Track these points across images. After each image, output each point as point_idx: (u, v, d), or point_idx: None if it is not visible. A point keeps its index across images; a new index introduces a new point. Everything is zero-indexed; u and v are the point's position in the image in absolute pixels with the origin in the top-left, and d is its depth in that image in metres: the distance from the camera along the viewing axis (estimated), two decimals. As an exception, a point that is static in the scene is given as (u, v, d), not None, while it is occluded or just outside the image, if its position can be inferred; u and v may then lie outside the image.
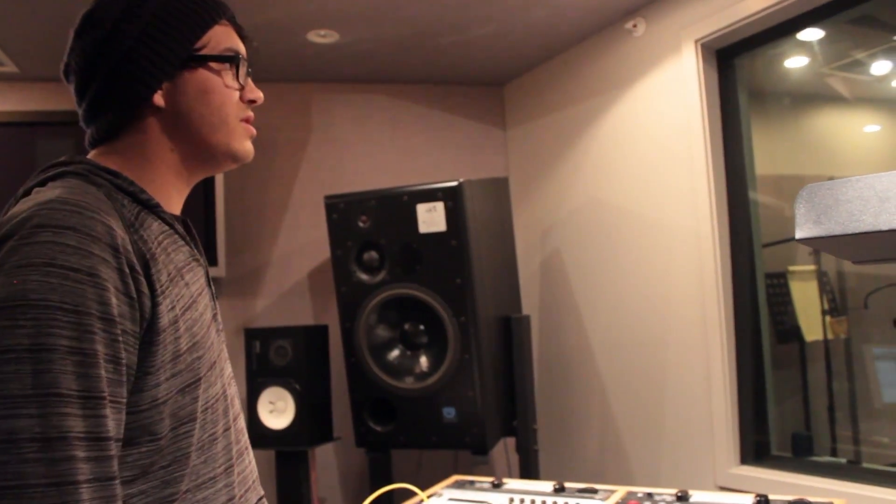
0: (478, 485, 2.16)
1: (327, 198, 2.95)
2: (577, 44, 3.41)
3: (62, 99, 3.40)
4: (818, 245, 0.95)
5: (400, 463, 3.24)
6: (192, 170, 1.13)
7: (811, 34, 2.76)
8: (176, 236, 1.08)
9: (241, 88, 1.13)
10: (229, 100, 1.11)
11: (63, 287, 0.86)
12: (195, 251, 1.13)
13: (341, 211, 2.91)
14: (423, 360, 2.90)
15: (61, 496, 0.82)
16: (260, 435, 3.01)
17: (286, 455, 3.08)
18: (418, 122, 3.86)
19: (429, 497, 2.01)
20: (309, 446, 3.03)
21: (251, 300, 3.60)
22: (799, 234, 0.95)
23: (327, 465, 3.59)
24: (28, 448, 0.81)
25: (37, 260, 0.86)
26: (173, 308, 0.99)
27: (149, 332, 0.94)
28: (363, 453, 3.12)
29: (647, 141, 3.05)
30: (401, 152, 3.81)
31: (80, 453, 0.84)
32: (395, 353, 2.94)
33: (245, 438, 1.16)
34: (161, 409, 0.96)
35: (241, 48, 1.14)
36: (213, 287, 1.17)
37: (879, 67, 2.99)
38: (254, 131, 1.17)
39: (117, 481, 0.88)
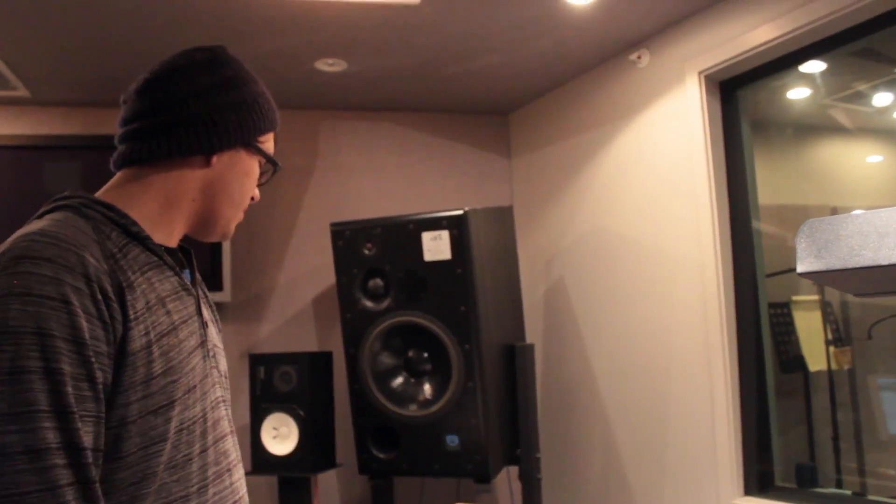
0: (481, 513, 2.15)
1: (333, 225, 2.97)
2: (582, 74, 3.45)
3: (71, 123, 3.45)
4: (819, 279, 0.97)
5: (402, 490, 3.23)
6: (190, 224, 1.25)
7: (814, 66, 2.78)
8: (164, 267, 1.16)
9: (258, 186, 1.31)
10: (251, 188, 1.29)
11: (38, 314, 0.96)
12: (185, 281, 1.21)
13: (347, 238, 2.93)
14: (427, 388, 2.90)
15: (53, 498, 0.93)
16: (263, 461, 3.01)
17: (289, 481, 3.07)
18: (424, 150, 3.89)
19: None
20: (312, 473, 3.03)
21: (256, 325, 3.61)
22: (800, 269, 0.96)
23: (330, 491, 3.58)
24: (20, 460, 0.92)
25: (16, 290, 0.97)
26: (147, 333, 1.07)
27: (120, 354, 1.03)
28: (366, 480, 3.12)
29: (651, 171, 3.07)
30: (406, 180, 3.84)
31: (60, 461, 0.95)
32: (398, 380, 2.95)
33: (228, 461, 1.22)
34: (129, 428, 1.04)
35: (276, 160, 1.31)
36: (205, 314, 1.25)
37: (881, 99, 3.01)
38: (242, 218, 1.32)
39: (96, 485, 0.98)
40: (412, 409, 2.88)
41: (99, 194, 1.18)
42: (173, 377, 1.09)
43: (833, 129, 3.28)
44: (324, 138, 3.78)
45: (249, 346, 3.54)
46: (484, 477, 2.84)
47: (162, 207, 1.19)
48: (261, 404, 3.03)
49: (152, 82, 1.20)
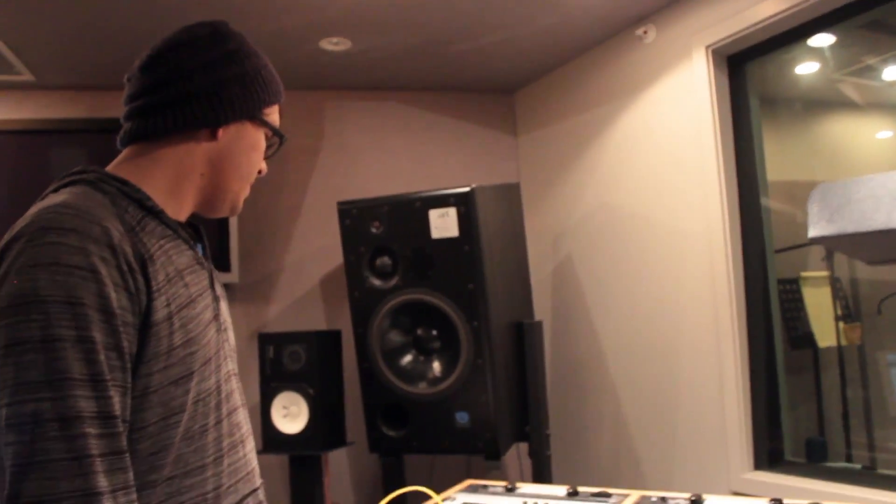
0: (491, 489, 2.16)
1: (340, 203, 2.96)
2: (588, 51, 3.43)
3: (76, 107, 3.44)
4: (831, 244, 0.96)
5: (413, 468, 3.24)
6: (199, 200, 1.26)
7: (822, 40, 2.76)
8: (179, 240, 1.18)
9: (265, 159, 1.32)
10: (258, 161, 1.30)
11: (67, 283, 0.97)
12: (199, 255, 1.23)
13: (354, 217, 2.92)
14: (436, 366, 2.91)
15: (81, 468, 0.93)
16: (273, 439, 3.03)
17: (300, 459, 3.09)
18: (430, 129, 3.88)
19: (443, 500, 2.01)
20: (322, 451, 3.04)
21: (264, 306, 3.62)
22: (812, 233, 0.95)
23: (340, 469, 3.60)
24: (49, 427, 0.93)
25: (44, 260, 0.97)
26: (168, 305, 1.08)
27: (144, 325, 1.05)
28: (376, 458, 3.13)
29: (659, 147, 3.05)
30: (413, 159, 3.83)
31: (93, 430, 0.96)
32: (407, 358, 2.95)
33: (241, 432, 1.24)
34: (150, 398, 1.06)
35: (282, 132, 1.33)
36: (217, 289, 1.26)
37: (891, 73, 2.98)
38: (248, 192, 1.33)
39: (126, 455, 1.00)
40: (421, 387, 2.88)
41: (108, 170, 1.18)
42: (192, 349, 1.11)
43: (842, 104, 3.25)
44: (329, 118, 3.77)
45: (258, 327, 3.55)
46: (494, 454, 2.85)
47: (172, 182, 1.20)
48: (270, 383, 3.04)
49: (155, 58, 1.21)
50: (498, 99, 4.00)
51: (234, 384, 1.26)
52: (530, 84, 3.88)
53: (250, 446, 1.27)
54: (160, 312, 1.06)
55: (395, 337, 2.95)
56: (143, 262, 1.06)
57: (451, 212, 2.76)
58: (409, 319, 2.94)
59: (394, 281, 2.88)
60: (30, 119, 3.37)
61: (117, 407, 0.99)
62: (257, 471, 1.29)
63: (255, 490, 1.25)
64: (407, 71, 3.59)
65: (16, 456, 0.93)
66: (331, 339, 3.16)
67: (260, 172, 1.32)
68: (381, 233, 2.89)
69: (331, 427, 3.07)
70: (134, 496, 1.01)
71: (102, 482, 0.95)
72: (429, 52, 3.34)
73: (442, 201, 2.78)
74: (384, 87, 3.81)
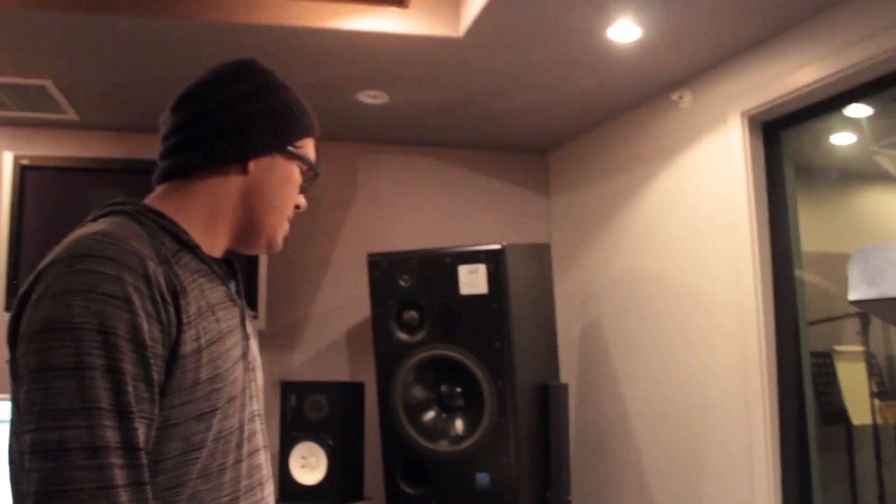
0: (509, 553, 2.10)
1: (370, 255, 2.97)
2: (623, 114, 3.44)
3: (116, 148, 3.53)
4: (871, 309, 0.93)
5: (430, 528, 3.18)
6: (234, 235, 1.26)
7: (859, 110, 2.75)
8: (213, 275, 1.18)
9: (300, 193, 1.32)
10: (293, 196, 1.29)
11: (101, 312, 0.97)
12: (232, 292, 1.22)
13: (383, 269, 2.92)
14: (459, 424, 2.86)
15: (109, 498, 0.93)
16: (290, 489, 2.98)
17: (315, 513, 3.04)
18: (463, 186, 3.91)
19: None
20: (339, 504, 3.00)
21: (289, 354, 3.61)
22: (852, 296, 0.93)
23: (356, 526, 3.54)
24: (78, 456, 0.93)
25: (80, 287, 0.98)
26: (198, 339, 1.08)
27: (172, 357, 1.04)
28: (393, 516, 3.06)
29: (692, 212, 3.03)
30: (445, 215, 3.85)
31: (118, 461, 0.95)
32: (430, 414, 2.92)
33: (261, 475, 1.22)
34: (171, 431, 1.05)
35: (317, 166, 1.33)
36: (248, 327, 1.25)
37: (930, 147, 2.96)
38: (288, 229, 1.32)
39: (148, 487, 0.99)
40: (443, 445, 2.84)
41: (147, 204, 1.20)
42: (218, 385, 1.10)
43: (878, 177, 3.22)
44: (363, 171, 3.81)
45: (282, 375, 3.53)
46: (514, 517, 2.78)
47: (205, 218, 1.21)
48: (291, 432, 3.01)
49: (185, 98, 1.24)
50: (531, 159, 4.02)
51: (258, 425, 1.24)
52: (564, 145, 3.90)
53: (269, 490, 1.25)
54: (189, 346, 1.06)
55: (419, 392, 2.92)
56: (176, 295, 1.06)
57: (481, 268, 2.75)
58: (434, 375, 2.91)
59: (420, 336, 2.87)
60: (71, 157, 3.44)
61: (142, 439, 0.99)
62: None
63: None
64: (442, 127, 3.63)
65: (41, 483, 0.93)
66: (354, 391, 3.14)
67: (298, 207, 1.32)
68: (410, 287, 2.88)
69: (349, 480, 3.03)
70: None
71: None
72: (465, 110, 3.38)
73: (472, 258, 2.77)
74: (419, 142, 3.85)
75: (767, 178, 2.84)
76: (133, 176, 3.37)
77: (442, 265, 2.82)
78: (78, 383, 0.94)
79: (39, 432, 0.94)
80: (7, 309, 3.22)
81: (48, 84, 3.00)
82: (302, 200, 1.33)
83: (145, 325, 1.00)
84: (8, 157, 3.30)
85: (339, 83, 3.04)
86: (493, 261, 2.73)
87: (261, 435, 1.25)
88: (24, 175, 3.33)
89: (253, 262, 3.40)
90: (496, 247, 2.74)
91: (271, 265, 3.49)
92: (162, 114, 1.28)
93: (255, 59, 1.30)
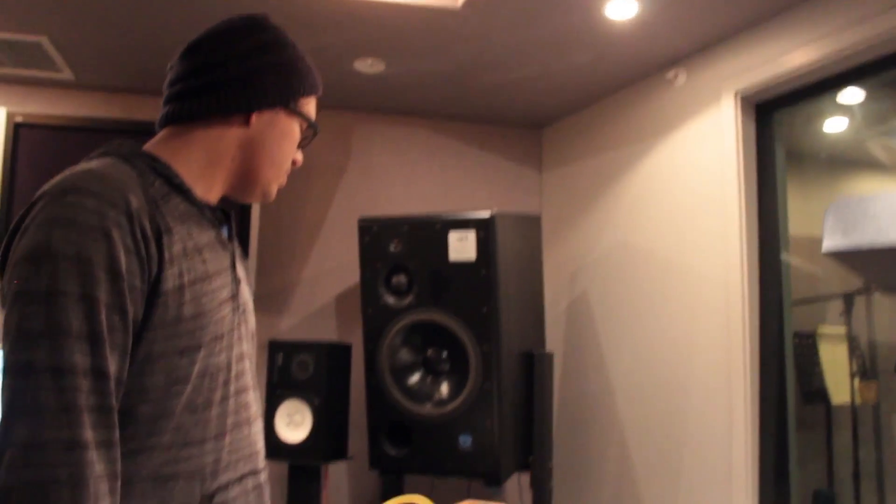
0: (489, 512, 2.14)
1: (361, 220, 2.99)
2: (618, 91, 3.46)
3: (111, 108, 3.52)
4: (845, 260, 0.96)
5: (412, 488, 3.21)
6: (230, 184, 1.29)
7: (852, 96, 2.77)
8: (203, 219, 1.21)
9: (298, 149, 1.35)
10: (291, 150, 1.32)
11: (79, 242, 1.00)
12: (222, 236, 1.26)
13: (374, 234, 2.95)
14: (444, 387, 2.90)
15: (69, 419, 0.96)
16: (275, 447, 3.02)
17: (299, 469, 3.08)
18: (456, 157, 3.92)
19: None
20: (323, 462, 3.03)
21: (277, 317, 3.63)
22: (826, 246, 0.96)
23: (339, 483, 3.58)
24: (44, 377, 0.96)
25: (61, 218, 1.01)
26: (181, 276, 1.11)
27: (153, 293, 1.07)
28: (376, 475, 3.11)
29: (682, 190, 3.06)
30: (436, 186, 3.86)
31: (84, 384, 0.98)
32: (415, 377, 2.95)
33: (248, 414, 1.25)
34: (155, 364, 1.08)
35: (317, 124, 1.36)
36: (239, 272, 1.28)
37: (921, 135, 2.98)
38: (285, 182, 1.35)
39: (114, 413, 1.02)
40: (427, 408, 2.88)
41: (144, 148, 1.22)
42: (202, 322, 1.13)
43: (869, 164, 3.25)
44: (357, 139, 3.82)
45: (270, 337, 3.55)
46: (495, 479, 2.82)
47: (203, 164, 1.23)
48: (276, 391, 3.04)
49: (194, 47, 1.26)
50: (525, 134, 4.03)
51: (247, 366, 1.27)
52: (559, 120, 3.92)
53: (257, 428, 1.28)
54: (170, 282, 1.09)
55: (405, 356, 2.95)
56: (159, 233, 1.09)
57: (471, 235, 2.77)
58: (421, 339, 2.94)
59: (408, 300, 2.89)
60: (66, 115, 3.44)
61: (111, 366, 1.01)
62: (261, 454, 1.30)
63: (255, 471, 1.26)
64: (438, 98, 3.64)
65: (8, 402, 0.96)
66: (341, 352, 3.16)
67: (295, 163, 1.35)
68: (400, 251, 2.90)
69: (333, 439, 3.06)
70: (117, 454, 1.02)
71: (87, 435, 0.97)
72: (461, 81, 3.39)
73: (462, 224, 2.79)
74: (414, 112, 3.86)
75: (758, 159, 2.87)
76: (126, 136, 3.36)
77: (432, 231, 2.84)
78: (49, 308, 0.97)
79: (11, 353, 0.97)
80: (0, 265, 3.23)
81: (44, 41, 2.99)
82: (299, 156, 1.36)
83: (123, 258, 1.03)
84: (1, 114, 3.29)
85: (336, 50, 3.05)
86: (483, 228, 2.76)
87: (249, 376, 1.27)
88: (18, 132, 3.34)
89: (245, 225, 3.42)
90: (486, 214, 2.77)
91: (262, 228, 3.51)
92: (171, 60, 1.29)
93: (266, 15, 1.32)
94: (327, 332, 3.67)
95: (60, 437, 0.95)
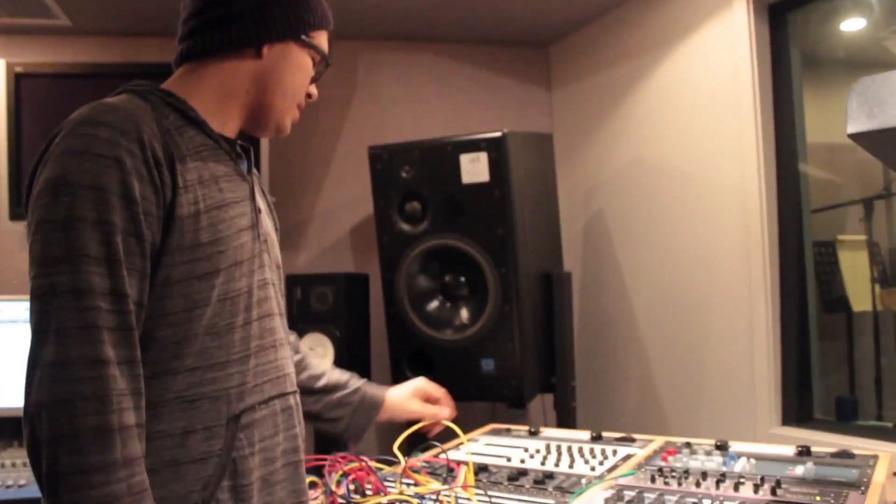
0: (514, 432, 2.16)
1: (371, 148, 2.96)
2: (625, 2, 3.36)
3: (110, 52, 3.47)
4: (871, 142, 0.92)
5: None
6: (245, 117, 1.32)
7: (869, -9, 2.68)
8: (220, 150, 1.25)
9: (311, 83, 1.38)
10: (304, 83, 1.35)
11: (94, 170, 1.05)
12: (240, 168, 1.29)
13: (384, 161, 2.91)
14: (463, 312, 2.90)
15: (90, 337, 1.01)
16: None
17: (324, 402, 3.11)
18: (464, 81, 3.86)
19: (467, 440, 2.01)
20: (346, 393, 3.06)
21: (293, 253, 3.63)
22: (851, 129, 0.91)
23: (364, 416, 3.62)
24: (65, 298, 1.01)
25: (76, 149, 1.06)
26: (196, 203, 1.15)
27: (169, 218, 1.12)
28: (400, 404, 3.13)
29: (695, 100, 3.00)
30: (446, 111, 3.81)
31: (104, 305, 1.03)
32: (434, 303, 2.95)
33: (274, 338, 1.29)
34: (173, 288, 1.13)
35: (329, 56, 1.39)
36: (258, 202, 1.32)
37: (943, 32, 2.89)
38: (297, 116, 1.38)
39: (134, 332, 1.07)
40: (448, 333, 2.88)
41: (161, 86, 1.26)
42: (220, 248, 1.17)
43: (889, 65, 3.16)
44: (363, 69, 3.76)
45: (287, 272, 3.56)
46: (518, 402, 2.85)
47: (217, 97, 1.27)
48: (297, 324, 3.05)
49: None
50: (532, 52, 3.95)
51: (272, 293, 1.30)
52: (565, 37, 3.83)
53: (284, 353, 1.31)
54: (186, 208, 1.13)
55: (423, 282, 2.95)
56: (172, 161, 1.13)
57: (483, 156, 2.73)
58: (438, 265, 2.93)
59: (423, 226, 2.87)
60: (65, 62, 3.39)
61: (129, 288, 1.07)
62: (291, 378, 1.33)
63: (284, 394, 1.30)
64: (442, 21, 3.55)
65: (36, 323, 1.03)
66: (359, 283, 3.17)
67: (310, 97, 1.38)
68: (412, 177, 2.87)
69: (356, 370, 3.01)
70: (138, 371, 1.07)
71: (109, 352, 1.03)
72: (464, 2, 3.30)
73: (473, 146, 2.75)
74: (419, 38, 3.78)
75: (773, 62, 2.79)
76: (128, 80, 3.33)
77: (443, 155, 2.80)
78: (68, 234, 1.03)
79: (35, 279, 1.04)
80: (11, 218, 3.23)
81: (38, -14, 2.94)
82: (314, 90, 1.39)
83: (136, 185, 1.07)
84: (1, 66, 3.26)
85: (336, -26, 2.97)
86: (495, 148, 2.72)
87: (274, 303, 1.31)
88: (19, 82, 3.30)
89: (255, 163, 3.40)
90: (497, 134, 2.72)
91: (273, 165, 3.48)
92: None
93: None
94: (344, 265, 3.67)
95: (84, 355, 1.01)
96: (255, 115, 1.32)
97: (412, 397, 1.88)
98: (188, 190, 1.15)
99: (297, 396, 1.36)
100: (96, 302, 1.03)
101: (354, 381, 1.79)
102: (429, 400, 1.91)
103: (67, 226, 1.03)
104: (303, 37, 1.31)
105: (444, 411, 1.89)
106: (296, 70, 1.32)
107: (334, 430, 1.74)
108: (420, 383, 1.91)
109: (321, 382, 1.72)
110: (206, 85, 1.27)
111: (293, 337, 1.64)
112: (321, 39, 1.36)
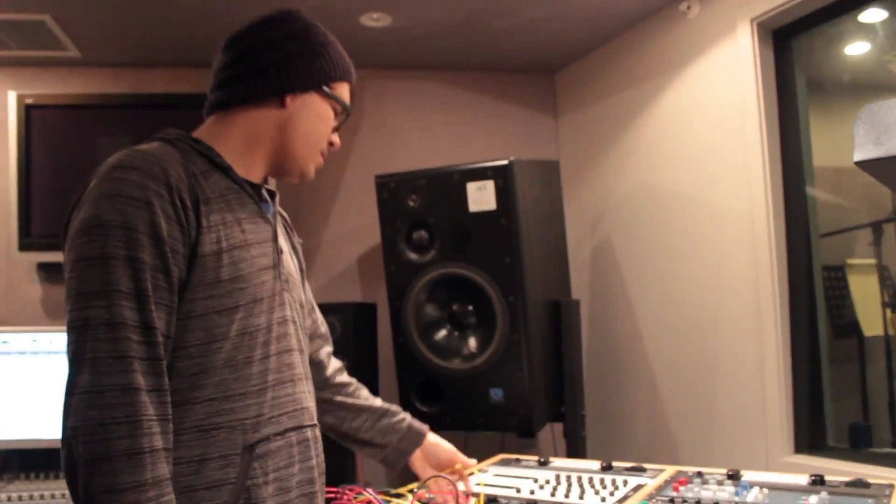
0: (524, 462, 2.14)
1: (378, 177, 2.96)
2: (630, 28, 3.38)
3: (119, 83, 3.50)
4: (878, 169, 0.91)
5: (446, 446, 3.23)
6: (271, 163, 1.40)
7: (873, 15, 2.68)
8: (244, 195, 1.33)
9: (333, 131, 1.46)
10: (326, 131, 1.43)
11: (125, 212, 1.14)
12: (263, 211, 1.37)
13: (391, 190, 2.92)
14: (472, 341, 2.89)
15: (123, 366, 1.10)
16: (307, 412, 3.02)
17: (332, 434, 3.09)
18: (470, 108, 3.87)
19: (476, 471, 1.99)
20: (355, 424, 3.03)
21: (301, 282, 3.62)
22: (857, 156, 0.91)
23: (374, 448, 3.59)
24: (99, 330, 1.10)
25: (109, 192, 1.16)
26: (219, 242, 1.24)
27: (193, 256, 1.21)
28: (409, 435, 3.10)
29: (701, 124, 3.00)
30: (451, 139, 3.82)
31: (134, 336, 1.12)
32: (442, 332, 2.94)
33: (293, 372, 1.35)
34: (194, 322, 1.21)
35: (350, 107, 1.47)
36: (281, 243, 1.40)
37: (947, 55, 2.89)
38: (322, 162, 1.46)
39: (163, 363, 1.15)
40: (456, 363, 2.87)
41: (192, 134, 1.36)
42: (240, 285, 1.25)
43: (893, 88, 3.15)
44: (369, 97, 3.78)
45: (294, 303, 3.57)
46: (528, 431, 2.82)
47: (243, 144, 1.36)
48: (305, 354, 3.04)
49: (232, 39, 1.39)
50: (538, 79, 3.97)
51: (291, 329, 1.36)
52: (571, 64, 3.85)
53: (303, 388, 1.37)
54: (208, 247, 1.22)
55: (431, 311, 2.94)
56: (197, 203, 1.22)
57: (489, 185, 2.74)
58: (446, 294, 2.92)
59: (430, 255, 2.87)
60: (75, 94, 3.42)
61: (158, 321, 1.15)
62: (310, 412, 1.39)
63: (301, 427, 1.35)
64: (447, 49, 3.58)
65: (72, 353, 1.12)
66: (366, 312, 3.16)
67: (332, 145, 1.47)
68: (419, 206, 2.88)
69: (364, 400, 3.05)
70: (167, 398, 1.15)
71: (140, 380, 1.11)
72: (469, 30, 3.32)
73: (480, 174, 2.76)
74: (424, 66, 3.80)
75: (778, 86, 2.80)
76: (137, 111, 3.35)
77: (450, 183, 2.80)
78: (102, 270, 1.12)
79: (72, 312, 1.13)
80: (20, 248, 3.24)
81: (47, 19, 2.97)
82: (336, 139, 1.47)
83: (164, 225, 1.16)
84: (12, 97, 3.28)
85: (341, 6, 3.00)
86: (501, 176, 2.72)
87: (295, 339, 1.37)
88: (29, 114, 3.32)
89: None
90: (504, 162, 2.72)
91: (281, 196, 3.48)
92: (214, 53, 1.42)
93: (298, 10, 1.42)
94: (352, 294, 3.67)
95: (117, 382, 1.09)
96: (280, 162, 1.40)
97: (445, 450, 1.82)
98: (211, 230, 1.23)
99: (317, 430, 1.41)
100: (128, 333, 1.11)
101: (401, 411, 1.83)
102: (448, 466, 1.83)
103: (101, 263, 1.12)
104: (324, 88, 1.39)
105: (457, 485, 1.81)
106: (317, 119, 1.40)
107: (376, 456, 1.77)
108: (454, 448, 1.85)
109: (370, 404, 1.76)
110: (232, 133, 1.36)
111: (340, 364, 1.77)
112: (342, 90, 1.44)
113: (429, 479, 1.78)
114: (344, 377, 1.77)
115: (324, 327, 1.77)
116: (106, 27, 3.11)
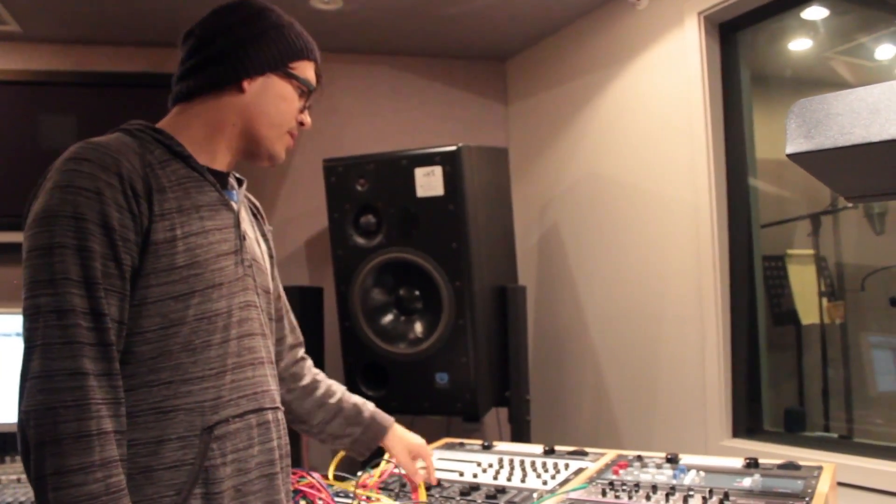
0: (468, 447, 2.16)
1: (326, 161, 2.95)
2: (581, 17, 3.40)
3: (63, 60, 3.40)
4: (808, 162, 0.94)
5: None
6: (236, 148, 1.41)
7: (816, 13, 2.74)
8: (204, 182, 1.34)
9: (300, 111, 1.46)
10: (291, 112, 1.43)
11: (75, 202, 1.17)
12: (226, 198, 1.37)
13: (339, 174, 2.90)
14: (418, 326, 2.90)
15: (71, 351, 1.13)
16: (252, 396, 3.00)
17: (277, 417, 3.07)
18: (420, 94, 3.86)
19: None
20: (300, 408, 3.02)
21: (247, 266, 3.59)
22: (789, 149, 0.93)
23: (319, 432, 3.58)
24: (49, 317, 1.13)
25: (61, 183, 1.19)
26: (173, 229, 1.25)
27: (145, 244, 1.22)
28: (355, 419, 3.10)
29: (648, 115, 3.04)
30: (401, 124, 3.81)
31: (83, 322, 1.14)
32: (389, 317, 2.94)
33: (253, 356, 1.36)
34: (149, 308, 1.23)
35: (313, 84, 1.47)
36: (245, 229, 1.40)
37: (884, 52, 2.96)
38: (292, 143, 1.47)
39: (113, 348, 1.17)
40: (402, 347, 2.88)
41: (155, 125, 1.37)
42: (196, 271, 1.27)
43: (834, 84, 3.23)
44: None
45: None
46: (473, 415, 2.84)
47: (206, 133, 1.37)
48: (251, 338, 3.01)
49: (189, 31, 1.41)
50: (489, 67, 3.97)
51: (254, 314, 1.38)
52: (522, 52, 3.86)
53: (263, 371, 1.38)
54: (161, 234, 1.23)
55: (378, 296, 2.94)
56: (150, 191, 1.24)
57: (437, 170, 2.74)
58: (392, 279, 2.93)
59: (378, 239, 2.87)
60: (16, 70, 3.32)
61: (107, 308, 1.17)
62: (271, 395, 1.39)
63: (262, 409, 1.35)
64: (398, 34, 3.56)
65: (26, 340, 1.15)
66: (312, 296, 3.15)
67: (302, 125, 1.47)
68: (367, 191, 2.87)
69: (310, 384, 3.04)
70: (118, 382, 1.18)
71: (88, 365, 1.13)
72: (421, 14, 3.31)
73: (428, 160, 2.76)
74: (375, 50, 3.78)
75: (723, 80, 2.84)
76: (82, 88, 3.27)
77: (398, 168, 2.80)
78: (52, 259, 1.15)
79: (26, 300, 1.16)
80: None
81: (-16, -8, 2.88)
82: (306, 118, 1.47)
83: (115, 214, 1.18)
84: (-50, 73, 3.18)
85: (291, -14, 2.96)
86: (449, 162, 2.72)
87: (258, 324, 1.39)
88: (-30, 90, 3.23)
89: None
90: (452, 148, 2.73)
91: (227, 177, 3.44)
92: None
93: None
94: (299, 278, 3.64)
95: (65, 367, 1.12)
96: (247, 147, 1.41)
97: (411, 442, 1.80)
98: (165, 217, 1.24)
99: (279, 413, 1.41)
100: (77, 320, 1.14)
101: (367, 403, 1.81)
102: (416, 458, 1.82)
103: (51, 252, 1.15)
104: (282, 69, 1.39)
105: (424, 475, 1.79)
106: (279, 100, 1.40)
107: (341, 446, 1.77)
108: (422, 441, 1.83)
109: (333, 399, 1.75)
110: (194, 122, 1.37)
111: (309, 362, 1.80)
112: (304, 69, 1.44)
113: (373, 463, 1.78)
114: (323, 387, 1.76)
115: (297, 332, 1.80)
116: (47, 3, 3.01)
